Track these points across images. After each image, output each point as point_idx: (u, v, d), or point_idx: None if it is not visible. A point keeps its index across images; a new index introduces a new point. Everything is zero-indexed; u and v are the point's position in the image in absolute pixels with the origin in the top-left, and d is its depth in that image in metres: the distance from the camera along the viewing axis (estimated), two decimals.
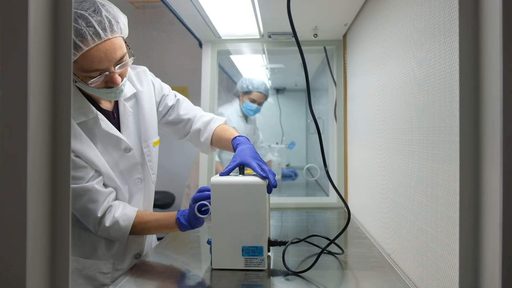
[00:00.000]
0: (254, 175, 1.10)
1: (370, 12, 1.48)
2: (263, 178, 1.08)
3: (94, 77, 1.04)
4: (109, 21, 1.02)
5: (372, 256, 1.24)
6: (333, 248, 1.26)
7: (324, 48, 2.13)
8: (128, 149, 1.21)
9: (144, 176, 1.27)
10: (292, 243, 1.20)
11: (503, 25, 0.53)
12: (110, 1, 1.09)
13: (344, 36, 2.04)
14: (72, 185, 1.10)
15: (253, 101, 2.84)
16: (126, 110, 1.23)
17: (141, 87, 1.29)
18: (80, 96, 1.14)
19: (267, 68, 3.17)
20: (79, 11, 1.00)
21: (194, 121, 1.42)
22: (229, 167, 1.13)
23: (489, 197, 0.57)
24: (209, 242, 1.12)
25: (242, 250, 1.07)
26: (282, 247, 1.13)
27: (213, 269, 1.10)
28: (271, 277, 1.06)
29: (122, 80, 1.10)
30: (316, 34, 1.98)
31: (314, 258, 1.08)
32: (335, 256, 1.22)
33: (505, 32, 0.53)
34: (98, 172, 1.15)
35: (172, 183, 4.06)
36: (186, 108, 1.42)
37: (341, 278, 1.08)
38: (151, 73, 1.37)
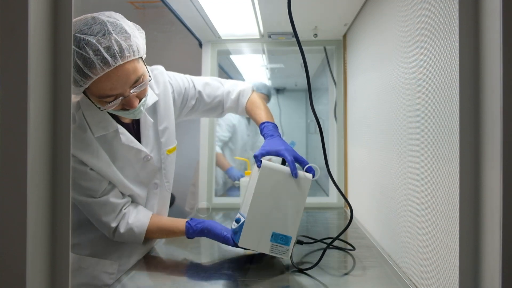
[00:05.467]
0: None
1: (370, 12, 1.48)
2: (295, 174, 1.09)
3: (110, 102, 1.01)
4: (119, 46, 0.96)
5: (372, 256, 1.24)
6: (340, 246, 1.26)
7: (324, 48, 2.13)
8: (147, 158, 1.20)
9: (160, 181, 1.27)
10: (305, 243, 1.23)
11: (503, 25, 0.53)
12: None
13: (344, 36, 2.04)
14: (87, 199, 1.10)
15: None
16: (147, 120, 1.20)
17: (158, 90, 1.26)
18: (100, 110, 1.10)
19: (267, 68, 3.17)
20: (87, 37, 0.93)
21: (224, 101, 1.41)
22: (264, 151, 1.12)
23: (489, 196, 0.57)
24: (237, 221, 1.12)
25: (272, 235, 1.09)
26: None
27: (238, 246, 1.10)
28: (275, 273, 1.06)
29: (140, 101, 1.07)
30: (316, 34, 1.98)
31: (316, 256, 1.08)
32: (346, 251, 1.22)
33: (505, 32, 0.53)
34: (113, 184, 1.15)
35: (173, 183, 4.06)
36: (210, 94, 1.39)
37: (340, 278, 1.08)
38: (168, 73, 1.33)
